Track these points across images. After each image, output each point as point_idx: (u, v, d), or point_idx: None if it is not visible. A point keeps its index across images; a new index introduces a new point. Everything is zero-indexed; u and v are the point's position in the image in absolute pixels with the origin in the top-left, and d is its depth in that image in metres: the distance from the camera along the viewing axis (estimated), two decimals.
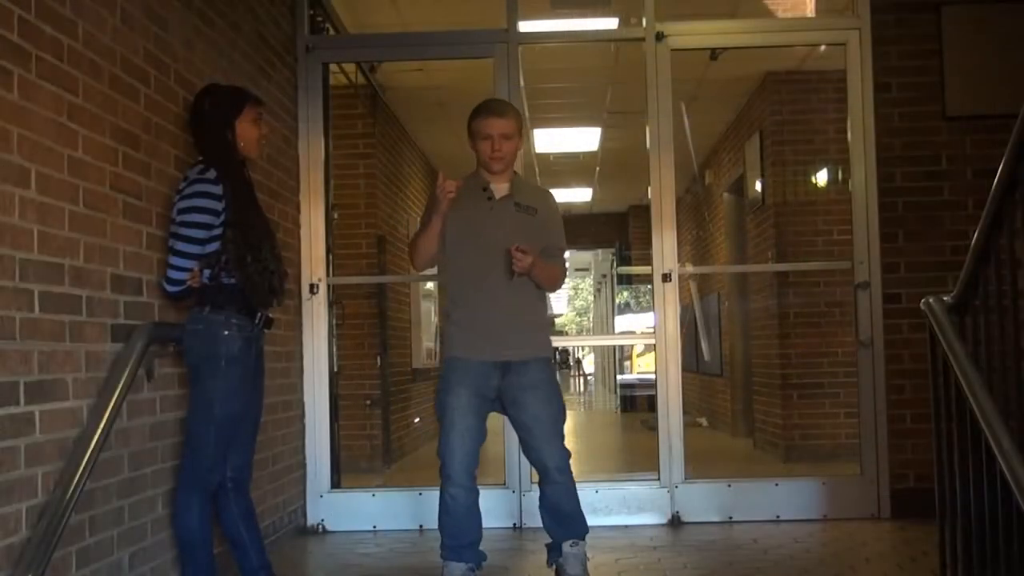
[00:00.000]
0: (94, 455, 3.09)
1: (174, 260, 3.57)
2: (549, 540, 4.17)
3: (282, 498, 5.16)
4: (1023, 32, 5.43)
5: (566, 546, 4.05)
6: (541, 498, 4.09)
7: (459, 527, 3.97)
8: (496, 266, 3.93)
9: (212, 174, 3.57)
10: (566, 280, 4.03)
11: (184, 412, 3.89)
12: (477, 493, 4.01)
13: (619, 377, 16.87)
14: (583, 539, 4.08)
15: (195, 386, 3.63)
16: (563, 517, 4.05)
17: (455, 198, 3.96)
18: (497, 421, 5.54)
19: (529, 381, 3.95)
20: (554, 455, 3.97)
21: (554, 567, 4.13)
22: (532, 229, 4.00)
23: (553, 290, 4.26)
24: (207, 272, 3.58)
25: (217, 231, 3.55)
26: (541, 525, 5.37)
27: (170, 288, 3.60)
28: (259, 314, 3.70)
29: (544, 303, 4.19)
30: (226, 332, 3.57)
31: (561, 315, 44.91)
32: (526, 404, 3.95)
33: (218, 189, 3.55)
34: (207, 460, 3.58)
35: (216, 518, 3.71)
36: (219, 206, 3.55)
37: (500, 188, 4.05)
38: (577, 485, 4.10)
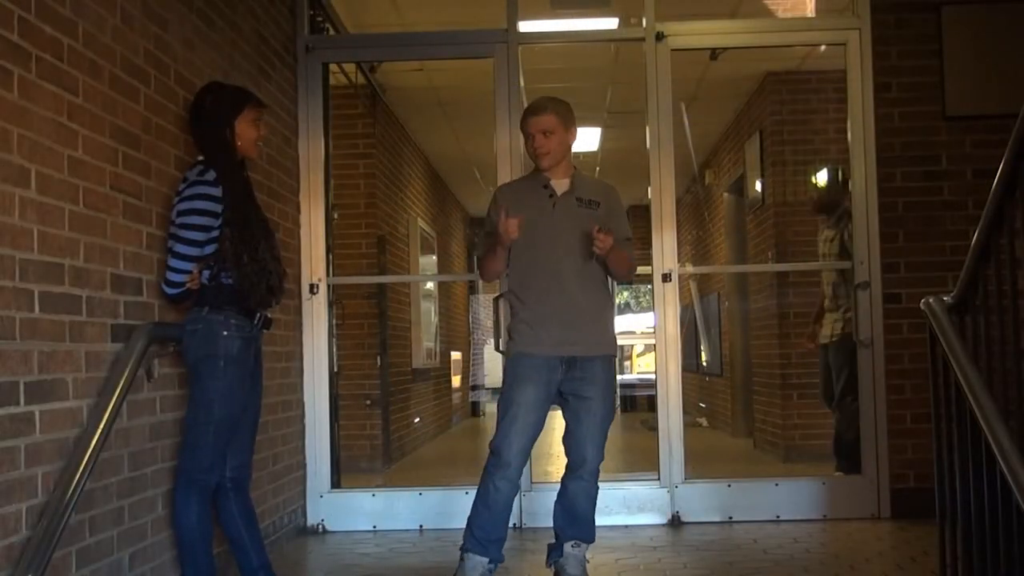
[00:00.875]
0: (94, 455, 3.09)
1: (173, 262, 3.56)
2: (552, 540, 4.16)
3: (282, 498, 5.16)
4: (1023, 32, 5.43)
5: (568, 546, 4.06)
6: (560, 493, 4.11)
7: (494, 521, 3.98)
8: (562, 262, 4.00)
9: (211, 175, 3.57)
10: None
11: (183, 412, 3.89)
12: (518, 490, 4.04)
13: (619, 377, 16.84)
14: (587, 545, 4.11)
15: (194, 386, 3.63)
16: (576, 517, 4.07)
17: (517, 198, 4.07)
18: (495, 420, 5.54)
19: (593, 377, 4.02)
20: (594, 453, 4.03)
21: (552, 567, 4.14)
22: (596, 223, 4.02)
23: (626, 279, 4.31)
24: (206, 273, 3.58)
25: (216, 232, 3.55)
26: (539, 525, 5.39)
27: (169, 290, 3.60)
28: (258, 314, 3.70)
29: (611, 301, 4.24)
30: (225, 333, 3.57)
31: None
32: (588, 397, 4.01)
33: (217, 191, 3.55)
34: (205, 460, 3.58)
35: (216, 518, 3.71)
36: (218, 208, 3.55)
37: (560, 184, 4.11)
38: None
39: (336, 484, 5.67)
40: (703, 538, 5.10)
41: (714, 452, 8.94)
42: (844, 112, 5.72)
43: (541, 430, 4.07)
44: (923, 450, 4.55)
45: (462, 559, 3.99)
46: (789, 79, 8.15)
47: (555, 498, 4.13)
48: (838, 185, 6.57)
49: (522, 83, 5.70)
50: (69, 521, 2.96)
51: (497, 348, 5.58)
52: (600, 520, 5.30)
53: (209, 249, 3.55)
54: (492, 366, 16.24)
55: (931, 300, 3.48)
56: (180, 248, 3.55)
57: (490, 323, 13.08)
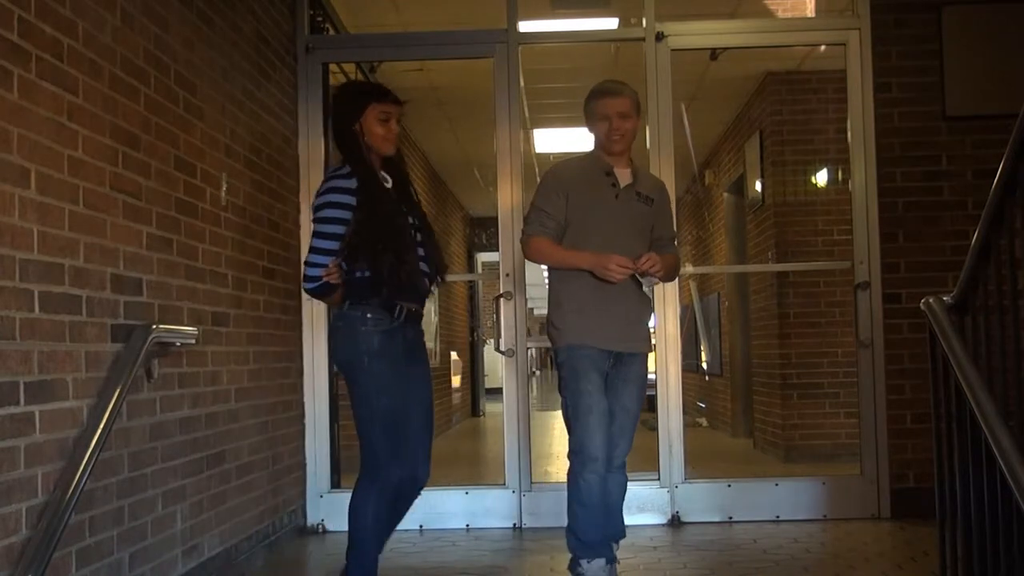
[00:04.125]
0: (94, 455, 3.09)
1: (310, 257, 3.60)
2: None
3: (282, 498, 5.16)
4: (1023, 32, 5.43)
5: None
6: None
7: (595, 519, 3.87)
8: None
9: (346, 170, 3.60)
10: None
11: (184, 412, 3.91)
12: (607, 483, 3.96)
13: None
14: (618, 542, 4.06)
15: (349, 385, 3.66)
16: (614, 512, 4.02)
17: (582, 182, 3.95)
18: (496, 420, 5.54)
19: (632, 374, 3.98)
20: (624, 448, 3.99)
21: None
22: (649, 220, 4.01)
23: (672, 279, 4.29)
24: (345, 268, 3.60)
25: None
26: (539, 525, 5.39)
27: (305, 285, 3.65)
28: (399, 307, 3.62)
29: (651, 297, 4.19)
30: (363, 328, 3.56)
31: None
32: (622, 395, 3.96)
33: (351, 183, 3.56)
34: (379, 456, 3.55)
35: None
36: (352, 200, 3.54)
37: (623, 174, 4.01)
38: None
39: (336, 484, 5.67)
40: (703, 538, 5.10)
41: (714, 452, 8.94)
42: (844, 112, 5.72)
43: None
44: (923, 450, 4.55)
45: (579, 572, 3.87)
46: (789, 79, 8.15)
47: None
48: None
49: (522, 83, 5.69)
50: (69, 521, 2.96)
51: (497, 348, 5.59)
52: None
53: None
54: (492, 366, 16.25)
55: (931, 300, 3.48)
56: (316, 242, 3.58)
57: (490, 323, 13.08)
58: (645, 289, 3.96)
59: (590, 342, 3.90)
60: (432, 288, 3.82)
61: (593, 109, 4.00)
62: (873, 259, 5.51)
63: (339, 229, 3.54)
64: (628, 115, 3.95)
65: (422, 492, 3.76)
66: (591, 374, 3.88)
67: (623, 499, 4.07)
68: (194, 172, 4.09)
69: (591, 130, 4.04)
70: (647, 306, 4.12)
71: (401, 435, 3.60)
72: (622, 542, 4.13)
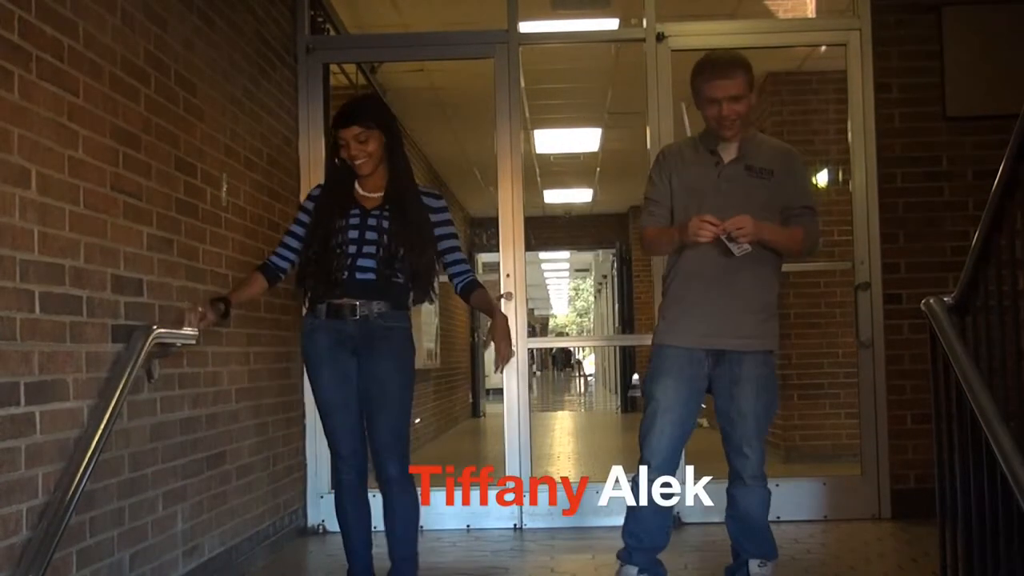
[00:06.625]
0: (94, 456, 3.09)
1: None
2: (730, 561, 3.81)
3: (282, 499, 5.16)
4: (1023, 32, 5.43)
5: (754, 565, 3.66)
6: (730, 505, 3.72)
7: (640, 526, 3.66)
8: (722, 241, 3.47)
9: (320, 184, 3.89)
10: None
11: (184, 412, 3.91)
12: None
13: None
14: (773, 564, 3.69)
15: None
16: (753, 529, 3.69)
17: (683, 162, 3.66)
18: (496, 420, 5.54)
19: (743, 374, 3.59)
20: (753, 455, 3.64)
21: None
22: (766, 195, 3.57)
23: (801, 255, 3.86)
24: None
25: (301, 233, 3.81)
26: (539, 526, 5.39)
27: None
28: (319, 304, 3.73)
29: (776, 285, 3.71)
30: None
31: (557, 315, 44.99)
32: (736, 397, 3.60)
33: (316, 191, 3.82)
34: (331, 450, 3.84)
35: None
36: (305, 217, 3.80)
37: (728, 149, 3.60)
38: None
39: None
40: (704, 538, 5.09)
41: (714, 453, 8.92)
42: (844, 113, 5.72)
43: (690, 428, 3.73)
44: (923, 450, 4.55)
45: (617, 569, 3.70)
46: (789, 79, 8.15)
47: (725, 514, 3.76)
48: None
49: (522, 84, 5.69)
50: (69, 522, 2.96)
51: None
52: (600, 520, 5.32)
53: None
54: (492, 367, 16.26)
55: (931, 300, 3.48)
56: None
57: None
58: (737, 253, 3.45)
59: (676, 341, 3.61)
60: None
61: (700, 89, 3.54)
62: (873, 260, 5.51)
63: (295, 228, 3.84)
64: (741, 96, 3.50)
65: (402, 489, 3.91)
66: (667, 379, 3.61)
67: (765, 515, 3.68)
68: (194, 172, 4.09)
69: (697, 107, 3.62)
70: (763, 297, 3.63)
71: (331, 429, 3.78)
72: (619, 543, 4.00)
